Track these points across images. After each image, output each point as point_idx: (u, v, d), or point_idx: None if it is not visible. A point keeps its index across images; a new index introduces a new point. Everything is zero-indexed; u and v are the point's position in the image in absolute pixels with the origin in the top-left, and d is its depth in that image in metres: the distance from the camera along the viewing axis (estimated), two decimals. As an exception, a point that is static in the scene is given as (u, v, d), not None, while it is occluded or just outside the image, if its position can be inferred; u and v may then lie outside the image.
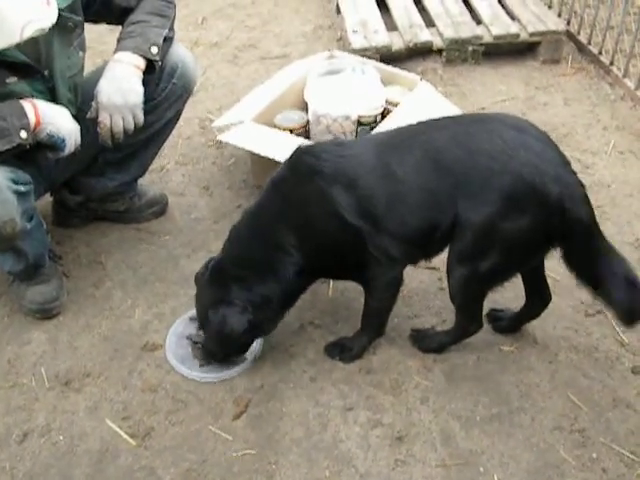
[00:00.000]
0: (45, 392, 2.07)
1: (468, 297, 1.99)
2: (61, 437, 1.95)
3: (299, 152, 1.98)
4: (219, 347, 2.06)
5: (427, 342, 2.19)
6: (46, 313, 2.26)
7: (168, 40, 2.15)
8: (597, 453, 1.93)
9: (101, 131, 2.09)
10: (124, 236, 2.62)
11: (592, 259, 1.88)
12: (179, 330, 2.25)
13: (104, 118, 2.06)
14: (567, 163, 1.84)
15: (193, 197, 2.83)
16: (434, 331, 2.22)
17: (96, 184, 2.49)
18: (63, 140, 1.95)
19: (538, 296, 2.13)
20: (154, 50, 2.07)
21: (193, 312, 2.28)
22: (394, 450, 1.92)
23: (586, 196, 1.84)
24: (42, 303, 2.25)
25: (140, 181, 2.64)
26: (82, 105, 2.15)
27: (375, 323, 2.14)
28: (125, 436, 1.95)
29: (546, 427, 1.99)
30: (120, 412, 2.02)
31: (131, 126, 2.09)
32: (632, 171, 2.95)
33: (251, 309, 1.95)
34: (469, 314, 2.05)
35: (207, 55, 3.80)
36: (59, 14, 1.83)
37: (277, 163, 2.39)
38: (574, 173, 1.83)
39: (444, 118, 2.00)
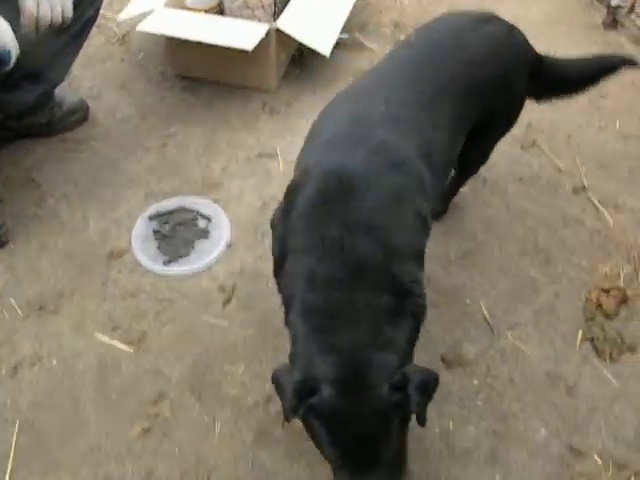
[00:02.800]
0: (22, 321, 1.95)
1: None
2: (54, 362, 1.87)
3: None
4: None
5: None
6: (-6, 243, 2.11)
7: None
8: (562, 267, 2.11)
9: (25, 20, 1.84)
10: (51, 149, 2.44)
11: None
12: (142, 230, 2.17)
13: (30, 6, 1.82)
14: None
15: (112, 97, 2.67)
16: None
17: (14, 99, 2.25)
18: (9, 52, 1.73)
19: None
20: None
21: (151, 211, 2.22)
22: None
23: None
24: (-13, 233, 2.09)
25: (55, 90, 2.44)
26: None
27: None
28: (120, 345, 1.90)
29: (513, 253, 2.14)
30: (107, 323, 1.95)
31: (59, 19, 1.87)
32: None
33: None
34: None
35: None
36: None
37: (208, 46, 2.28)
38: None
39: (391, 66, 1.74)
